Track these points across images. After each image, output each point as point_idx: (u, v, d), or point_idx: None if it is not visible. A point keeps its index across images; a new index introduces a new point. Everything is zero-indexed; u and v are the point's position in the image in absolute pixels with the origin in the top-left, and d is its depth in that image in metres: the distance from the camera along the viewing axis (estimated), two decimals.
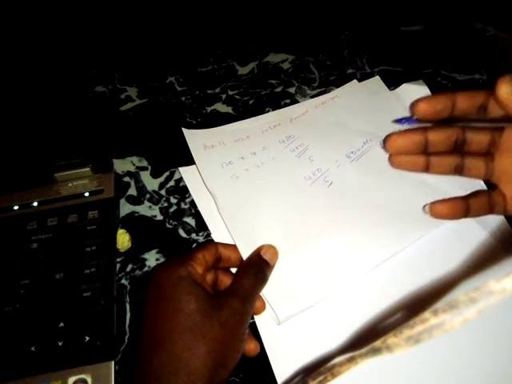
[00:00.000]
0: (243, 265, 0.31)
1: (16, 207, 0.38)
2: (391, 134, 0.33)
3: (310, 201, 0.37)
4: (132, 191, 0.41)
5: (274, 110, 0.46)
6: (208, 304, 0.26)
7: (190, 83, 0.49)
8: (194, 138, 0.42)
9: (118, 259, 0.37)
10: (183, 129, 0.43)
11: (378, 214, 0.36)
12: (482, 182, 0.37)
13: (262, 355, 0.31)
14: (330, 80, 0.48)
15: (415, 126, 0.33)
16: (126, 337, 0.34)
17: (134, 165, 0.43)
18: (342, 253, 0.34)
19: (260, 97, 0.47)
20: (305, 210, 0.37)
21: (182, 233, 0.39)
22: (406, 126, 0.34)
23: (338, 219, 0.36)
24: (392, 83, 0.46)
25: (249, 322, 0.28)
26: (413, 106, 0.32)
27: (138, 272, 0.37)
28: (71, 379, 0.30)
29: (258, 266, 0.31)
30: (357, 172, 0.39)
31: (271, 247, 0.32)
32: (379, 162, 0.39)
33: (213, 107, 0.47)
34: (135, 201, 0.41)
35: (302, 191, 0.38)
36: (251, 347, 0.29)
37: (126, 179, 0.42)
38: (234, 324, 0.26)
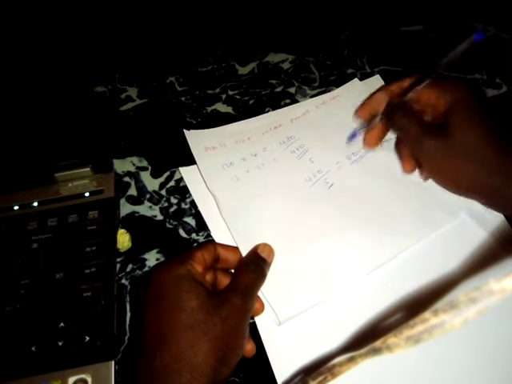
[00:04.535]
0: (242, 262, 0.32)
1: (16, 207, 0.38)
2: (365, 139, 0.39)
3: (310, 202, 0.37)
4: (132, 191, 0.41)
5: (274, 110, 0.46)
6: (208, 301, 0.26)
7: (190, 83, 0.49)
8: (196, 140, 0.42)
9: (118, 259, 0.37)
10: (185, 130, 0.43)
11: (378, 216, 0.36)
12: None
13: (262, 355, 0.31)
14: (330, 80, 0.48)
15: (361, 133, 0.39)
16: (126, 337, 0.34)
17: (134, 165, 0.43)
18: (342, 254, 0.34)
19: (260, 97, 0.47)
20: (305, 212, 0.37)
21: (182, 233, 0.39)
22: (355, 139, 0.40)
23: (339, 221, 0.36)
24: None
25: (249, 319, 0.28)
26: (355, 113, 0.40)
27: (138, 272, 0.37)
28: (71, 379, 0.30)
29: (257, 263, 0.31)
30: (357, 174, 0.39)
31: (267, 245, 0.33)
32: (379, 164, 0.39)
33: (213, 107, 0.47)
34: (135, 201, 0.41)
35: (303, 193, 0.38)
36: (248, 348, 0.30)
37: (126, 179, 0.42)
38: (235, 320, 0.27)
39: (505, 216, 0.36)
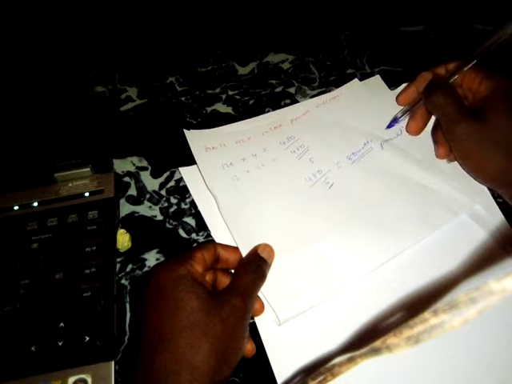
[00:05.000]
0: (242, 262, 0.32)
1: (16, 207, 0.38)
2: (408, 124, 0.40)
3: (310, 202, 0.37)
4: (132, 191, 0.41)
5: (274, 110, 0.46)
6: (209, 302, 0.26)
7: (190, 83, 0.49)
8: (196, 140, 0.42)
9: (118, 259, 0.37)
10: (185, 130, 0.43)
11: (378, 217, 0.36)
12: (485, 189, 0.37)
13: (262, 355, 0.31)
14: (330, 80, 0.48)
15: (401, 120, 0.40)
16: (126, 337, 0.34)
17: (134, 165, 0.43)
18: (342, 254, 0.34)
19: (260, 97, 0.47)
20: (305, 212, 0.37)
21: (182, 233, 0.39)
22: (395, 126, 0.40)
23: (339, 221, 0.36)
24: (392, 83, 0.46)
25: (249, 320, 0.28)
26: (396, 100, 0.40)
27: (138, 272, 0.37)
28: (71, 379, 0.30)
29: (257, 263, 0.31)
30: (357, 174, 0.39)
31: (267, 246, 0.33)
32: (379, 163, 0.39)
33: (213, 107, 0.47)
34: (135, 201, 0.41)
35: (303, 193, 0.38)
36: (248, 348, 0.30)
37: (126, 179, 0.42)
38: (235, 321, 0.27)
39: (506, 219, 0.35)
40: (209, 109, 0.47)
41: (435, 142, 0.37)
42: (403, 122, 0.41)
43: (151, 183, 0.42)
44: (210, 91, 0.48)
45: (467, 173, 0.35)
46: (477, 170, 0.34)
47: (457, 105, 0.33)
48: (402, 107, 0.40)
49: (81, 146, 0.40)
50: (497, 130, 0.31)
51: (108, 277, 0.35)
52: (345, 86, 0.47)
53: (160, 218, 0.40)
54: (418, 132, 0.38)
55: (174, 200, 0.41)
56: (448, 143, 0.35)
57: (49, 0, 0.35)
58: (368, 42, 0.52)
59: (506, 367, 0.30)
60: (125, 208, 0.40)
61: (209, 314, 0.26)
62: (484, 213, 0.36)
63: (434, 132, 0.38)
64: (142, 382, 0.26)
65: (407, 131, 0.39)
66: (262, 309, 0.32)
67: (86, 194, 0.39)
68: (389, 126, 0.40)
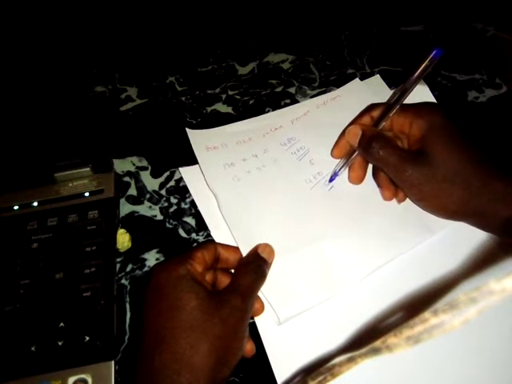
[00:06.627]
0: (242, 262, 0.32)
1: (16, 207, 0.38)
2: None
3: (310, 204, 0.37)
4: (132, 191, 0.41)
5: (274, 110, 0.46)
6: (208, 302, 0.26)
7: (190, 83, 0.49)
8: (197, 139, 0.42)
9: (118, 259, 0.37)
10: (187, 129, 0.43)
11: (378, 218, 0.36)
12: None
13: (262, 355, 0.31)
14: (330, 80, 0.48)
15: (341, 173, 0.38)
16: (126, 337, 0.34)
17: (134, 165, 0.43)
18: (342, 255, 0.34)
19: (260, 97, 0.47)
20: (305, 213, 0.37)
21: (182, 233, 0.39)
22: (337, 178, 0.38)
23: (339, 222, 0.36)
24: (392, 83, 0.46)
25: (249, 320, 0.28)
26: (331, 154, 0.39)
27: (138, 272, 0.37)
28: (71, 379, 0.30)
29: (257, 263, 0.31)
30: None
31: (268, 245, 0.33)
32: None
33: (213, 107, 0.47)
34: (135, 201, 0.41)
35: (303, 194, 0.38)
36: (248, 348, 0.30)
37: (126, 179, 0.42)
38: (235, 321, 0.27)
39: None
40: (209, 109, 0.47)
41: (379, 185, 0.37)
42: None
43: (151, 183, 0.42)
44: (210, 91, 0.48)
45: (428, 212, 0.34)
46: (437, 208, 0.33)
47: (397, 153, 0.32)
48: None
49: (81, 146, 0.40)
50: (443, 167, 0.31)
51: (108, 277, 0.35)
52: (345, 86, 0.47)
53: (160, 217, 0.40)
54: (360, 180, 0.38)
55: (173, 200, 0.41)
56: (397, 187, 0.35)
57: (49, 0, 0.35)
58: (368, 42, 0.52)
59: (506, 367, 0.30)
60: (125, 208, 0.40)
61: (208, 313, 0.26)
62: None
63: (374, 176, 0.37)
64: (141, 382, 0.26)
65: (350, 182, 0.38)
66: (262, 309, 0.32)
67: (86, 194, 0.39)
68: (330, 180, 0.39)
